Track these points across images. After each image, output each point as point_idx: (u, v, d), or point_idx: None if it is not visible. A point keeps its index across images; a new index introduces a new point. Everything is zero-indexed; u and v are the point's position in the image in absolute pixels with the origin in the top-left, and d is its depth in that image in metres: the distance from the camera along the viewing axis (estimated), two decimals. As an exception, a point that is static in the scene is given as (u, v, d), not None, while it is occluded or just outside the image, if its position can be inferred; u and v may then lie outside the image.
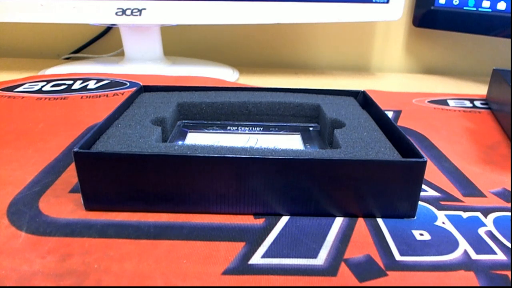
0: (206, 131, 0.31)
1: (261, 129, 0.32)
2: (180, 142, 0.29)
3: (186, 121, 0.33)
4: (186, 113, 0.32)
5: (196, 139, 0.30)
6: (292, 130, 0.32)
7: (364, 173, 0.22)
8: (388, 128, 0.27)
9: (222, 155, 0.21)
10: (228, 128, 0.32)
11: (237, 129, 0.32)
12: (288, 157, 0.21)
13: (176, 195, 0.22)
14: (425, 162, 0.21)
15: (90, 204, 0.23)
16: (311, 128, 0.32)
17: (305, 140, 0.30)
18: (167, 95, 0.33)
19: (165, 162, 0.21)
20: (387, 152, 0.24)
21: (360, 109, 0.32)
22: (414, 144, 0.23)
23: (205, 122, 0.33)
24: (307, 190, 0.22)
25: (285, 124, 0.33)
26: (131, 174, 0.22)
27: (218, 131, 0.31)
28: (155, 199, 0.22)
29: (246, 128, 0.32)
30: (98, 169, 0.22)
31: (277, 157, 0.21)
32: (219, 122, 0.33)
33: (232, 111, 0.32)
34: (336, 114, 0.30)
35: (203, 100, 0.32)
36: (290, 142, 0.30)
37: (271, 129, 0.32)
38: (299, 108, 0.33)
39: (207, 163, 0.21)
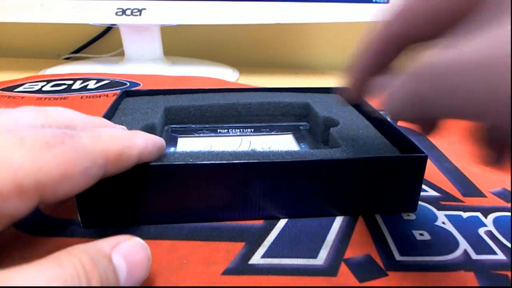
0: (196, 135, 0.30)
1: (252, 130, 0.31)
2: (172, 149, 0.28)
3: (173, 126, 0.31)
4: (174, 118, 0.31)
5: (187, 144, 0.29)
6: (283, 129, 0.32)
7: (369, 171, 0.22)
8: (383, 124, 0.27)
9: (225, 162, 0.21)
10: (218, 131, 0.31)
11: (228, 131, 0.31)
12: (294, 160, 0.21)
13: (175, 206, 0.21)
14: (426, 156, 0.22)
15: (88, 221, 0.21)
16: (301, 127, 0.32)
17: (298, 139, 0.30)
18: (152, 99, 0.32)
19: (163, 172, 0.20)
20: (387, 148, 0.24)
21: (350, 106, 0.31)
22: (411, 139, 0.23)
23: (194, 126, 0.31)
24: (307, 190, 0.22)
25: (275, 124, 0.32)
26: (129, 188, 0.21)
27: (208, 135, 0.30)
28: (154, 212, 0.21)
29: (236, 130, 0.31)
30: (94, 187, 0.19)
31: (281, 160, 0.21)
32: (208, 126, 0.32)
33: (221, 114, 0.31)
34: (328, 112, 0.30)
35: (191, 103, 0.31)
36: (283, 142, 0.30)
37: (262, 129, 0.31)
38: (289, 108, 0.32)
39: (208, 171, 0.21)
